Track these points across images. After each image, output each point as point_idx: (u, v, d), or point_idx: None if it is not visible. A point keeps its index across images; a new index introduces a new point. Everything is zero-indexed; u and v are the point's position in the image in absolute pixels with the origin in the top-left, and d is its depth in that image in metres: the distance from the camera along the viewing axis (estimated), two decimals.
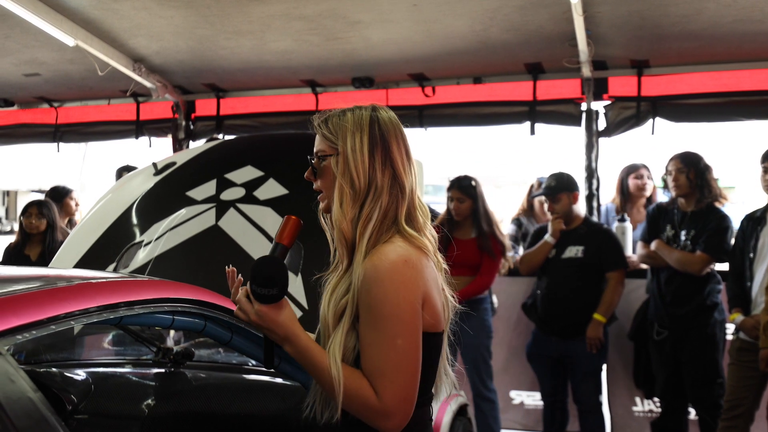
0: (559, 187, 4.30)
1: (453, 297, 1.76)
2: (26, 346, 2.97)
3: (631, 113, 4.98)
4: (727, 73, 4.78)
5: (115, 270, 3.41)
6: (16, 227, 5.16)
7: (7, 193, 30.03)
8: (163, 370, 2.94)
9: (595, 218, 5.03)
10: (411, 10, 4.23)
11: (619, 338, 4.58)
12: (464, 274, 4.27)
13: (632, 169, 5.05)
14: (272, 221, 3.28)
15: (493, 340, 4.99)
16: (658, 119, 4.97)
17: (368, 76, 5.29)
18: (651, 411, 4.66)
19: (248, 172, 3.62)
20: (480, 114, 5.34)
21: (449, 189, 4.43)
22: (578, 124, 5.10)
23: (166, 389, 2.89)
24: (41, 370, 2.87)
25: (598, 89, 5.02)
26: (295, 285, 2.97)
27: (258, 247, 3.16)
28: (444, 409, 3.25)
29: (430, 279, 1.62)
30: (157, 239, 3.46)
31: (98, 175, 16.93)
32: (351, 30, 4.53)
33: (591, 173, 5.06)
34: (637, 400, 4.73)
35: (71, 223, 5.53)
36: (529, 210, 5.30)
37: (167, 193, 3.73)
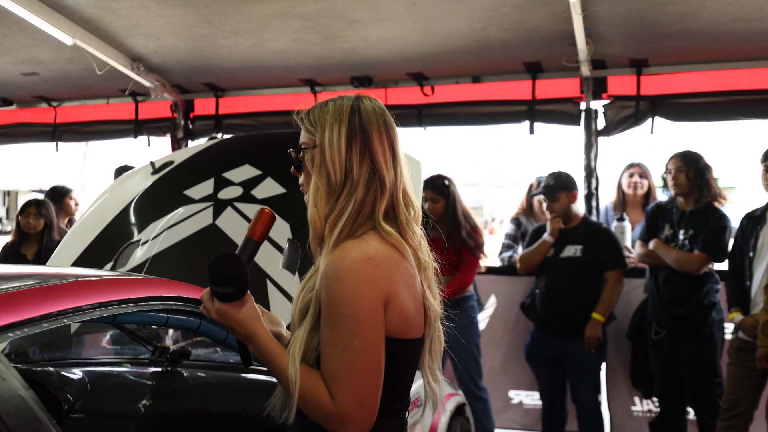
0: (558, 186, 4.30)
1: (441, 301, 1.68)
2: (22, 344, 2.96)
3: (630, 112, 4.98)
4: (727, 72, 4.78)
5: (112, 269, 3.41)
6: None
7: (7, 193, 30.11)
8: (159, 369, 2.93)
9: (594, 218, 5.02)
10: (409, 9, 4.23)
11: (618, 338, 4.58)
12: (443, 273, 4.25)
13: (627, 168, 5.05)
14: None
15: (491, 340, 4.99)
16: (657, 118, 4.96)
17: (367, 75, 5.28)
18: (650, 411, 4.66)
19: (246, 171, 3.61)
20: (479, 113, 5.33)
21: (423, 189, 4.43)
22: (577, 123, 5.10)
23: (163, 388, 2.88)
24: (38, 369, 2.87)
25: (597, 88, 5.01)
26: (293, 284, 2.96)
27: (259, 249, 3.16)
28: (441, 408, 3.24)
29: (400, 280, 1.51)
30: (154, 238, 3.46)
31: (98, 175, 16.95)
32: (349, 29, 4.53)
33: (590, 172, 5.06)
34: (636, 399, 4.72)
35: (71, 223, 5.52)
36: (528, 209, 5.29)
37: (165, 191, 3.72)
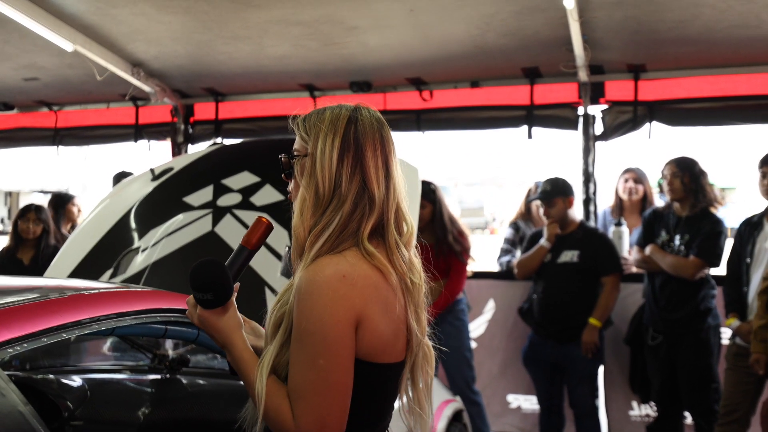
0: (555, 191, 4.32)
1: (430, 326, 1.61)
2: (23, 351, 2.98)
3: (627, 117, 4.99)
4: (724, 77, 4.79)
5: (112, 276, 3.43)
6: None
7: (9, 194, 30.15)
8: (159, 377, 2.96)
9: (591, 222, 5.04)
10: (407, 16, 4.25)
11: (615, 343, 4.60)
12: (432, 279, 4.29)
13: (623, 173, 5.08)
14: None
15: (490, 345, 5.02)
16: (654, 123, 4.97)
17: (366, 80, 5.29)
18: (647, 415, 4.67)
19: (245, 178, 3.64)
20: (477, 118, 5.35)
21: None
22: (575, 128, 5.11)
23: (162, 396, 2.91)
24: (38, 376, 2.89)
25: (595, 93, 5.02)
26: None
27: (256, 256, 3.18)
28: (439, 415, 3.27)
29: (376, 302, 1.45)
30: (153, 245, 3.48)
31: (100, 176, 16.99)
32: (348, 35, 4.55)
33: (588, 177, 5.07)
34: (634, 404, 4.74)
35: (74, 229, 5.55)
36: (526, 214, 5.31)
37: (164, 198, 3.75)
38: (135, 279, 3.34)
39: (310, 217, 1.50)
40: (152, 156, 6.61)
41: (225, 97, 5.90)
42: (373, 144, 1.53)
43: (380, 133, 1.55)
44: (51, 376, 2.92)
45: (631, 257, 4.54)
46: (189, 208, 3.58)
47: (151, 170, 3.90)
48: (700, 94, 4.84)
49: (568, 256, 4.29)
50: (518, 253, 4.97)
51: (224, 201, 3.55)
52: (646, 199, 5.05)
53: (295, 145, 1.57)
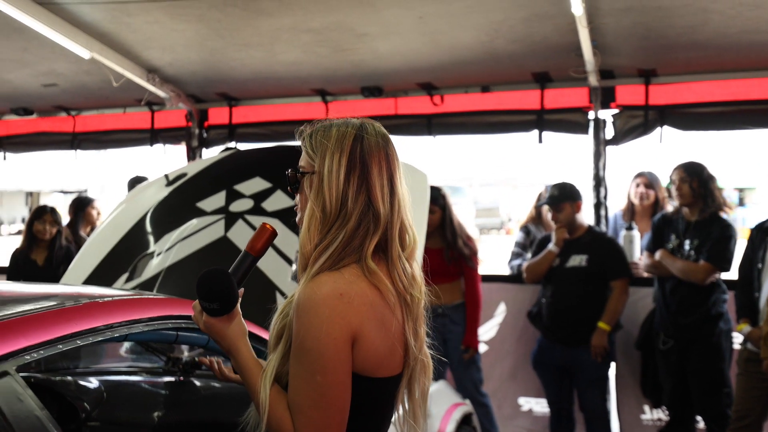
0: (562, 196, 4.35)
1: (431, 342, 1.63)
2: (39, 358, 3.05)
3: (638, 122, 5.00)
4: (735, 81, 4.79)
5: (128, 280, 3.50)
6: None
7: (30, 195, 30.51)
8: (173, 379, 3.02)
9: (603, 227, 5.06)
10: (416, 23, 4.29)
11: (627, 347, 4.60)
12: (438, 282, 4.37)
13: (634, 178, 5.09)
14: (280, 233, 3.35)
15: (501, 348, 5.04)
16: (666, 128, 4.98)
17: (377, 85, 5.34)
18: (659, 419, 4.67)
19: (256, 184, 3.70)
20: (488, 122, 5.37)
21: None
22: (586, 132, 5.12)
23: (176, 398, 2.97)
24: (56, 378, 2.97)
25: (606, 98, 5.04)
26: None
27: (265, 259, 3.24)
28: (448, 418, 3.30)
29: (372, 318, 1.48)
30: (167, 250, 3.55)
31: (117, 178, 17.18)
32: (358, 42, 4.60)
33: (599, 182, 5.08)
34: (646, 408, 4.74)
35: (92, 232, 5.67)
36: (537, 217, 5.34)
37: (178, 204, 3.81)
38: (149, 283, 3.41)
39: (317, 234, 1.53)
40: (167, 159, 6.72)
41: (239, 102, 5.97)
42: (379, 162, 1.55)
43: (385, 151, 1.58)
44: (69, 378, 2.99)
45: (641, 262, 4.56)
46: (202, 213, 3.64)
47: (166, 176, 3.97)
48: (711, 98, 4.83)
49: (577, 260, 4.32)
50: (529, 257, 5.00)
51: (236, 206, 3.61)
52: (657, 204, 5.05)
53: (302, 162, 1.60)
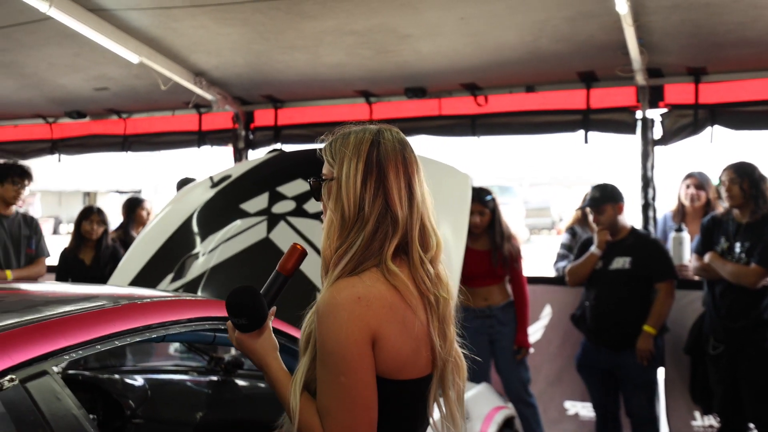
0: (603, 198, 4.28)
1: (461, 344, 1.64)
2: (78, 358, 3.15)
3: (688, 121, 4.88)
4: None
5: (173, 280, 3.58)
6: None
7: (87, 194, 31.43)
8: (215, 379, 3.08)
9: (651, 228, 4.95)
10: (459, 24, 4.27)
11: (676, 351, 4.50)
12: (485, 284, 4.41)
13: (685, 179, 4.96)
14: (321, 234, 3.39)
15: (546, 350, 4.98)
16: (716, 127, 4.85)
17: (420, 86, 5.34)
18: (711, 426, 4.56)
19: (298, 186, 3.74)
20: (533, 122, 5.31)
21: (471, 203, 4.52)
22: (633, 132, 5.03)
23: (218, 397, 3.02)
24: (103, 376, 3.05)
25: (654, 97, 4.93)
26: None
27: (306, 261, 3.27)
28: (489, 421, 3.28)
29: (392, 321, 1.50)
30: (212, 251, 3.62)
31: (168, 177, 17.58)
32: (401, 43, 4.61)
33: (647, 182, 4.98)
34: (696, 414, 4.63)
35: None
36: (583, 219, 5.25)
37: (222, 205, 3.89)
38: (194, 283, 3.48)
39: (336, 239, 1.56)
40: (215, 161, 6.83)
41: (284, 104, 6.04)
42: (396, 166, 1.57)
43: (402, 155, 1.59)
44: (116, 376, 3.08)
45: (690, 264, 4.45)
46: (245, 214, 3.71)
47: (210, 177, 4.05)
48: (763, 96, 4.69)
49: (620, 262, 4.24)
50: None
51: (279, 208, 3.66)
52: (708, 205, 4.93)
53: (324, 170, 1.63)
